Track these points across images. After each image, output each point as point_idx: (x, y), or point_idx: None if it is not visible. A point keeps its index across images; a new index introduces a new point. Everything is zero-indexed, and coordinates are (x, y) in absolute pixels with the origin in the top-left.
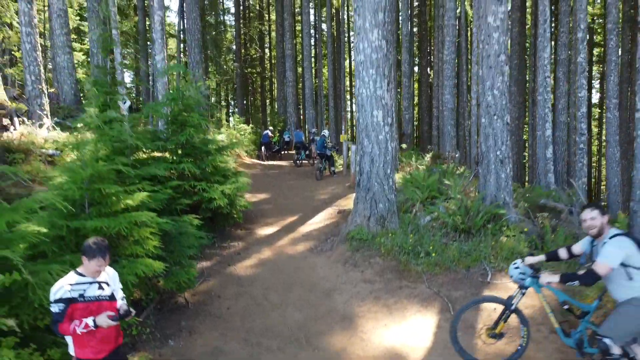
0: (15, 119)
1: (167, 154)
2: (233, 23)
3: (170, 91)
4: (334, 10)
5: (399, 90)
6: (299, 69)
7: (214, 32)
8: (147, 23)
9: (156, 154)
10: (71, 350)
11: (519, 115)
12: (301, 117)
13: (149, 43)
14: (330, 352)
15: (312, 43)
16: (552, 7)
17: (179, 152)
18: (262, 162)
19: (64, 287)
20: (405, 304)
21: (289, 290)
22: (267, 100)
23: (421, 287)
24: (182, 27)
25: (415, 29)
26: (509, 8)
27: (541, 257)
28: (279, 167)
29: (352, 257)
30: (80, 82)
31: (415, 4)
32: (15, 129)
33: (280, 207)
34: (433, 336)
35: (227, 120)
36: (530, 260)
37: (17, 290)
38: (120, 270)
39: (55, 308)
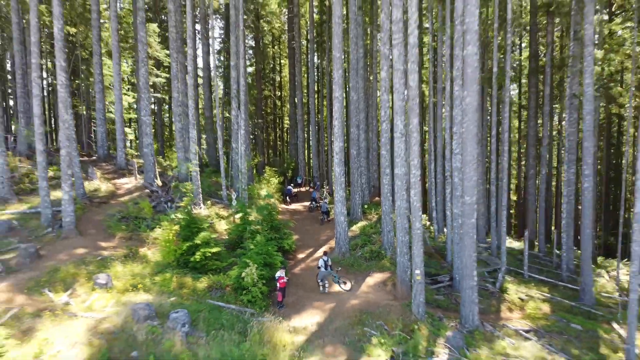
0: (194, 206)
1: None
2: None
3: (262, 199)
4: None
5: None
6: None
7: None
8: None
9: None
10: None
11: None
12: (306, 160)
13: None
14: (326, 294)
15: (315, 102)
16: None
17: (271, 227)
18: (287, 207)
19: (277, 274)
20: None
21: (312, 278)
22: (277, 123)
23: (349, 276)
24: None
25: None
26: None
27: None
28: (299, 212)
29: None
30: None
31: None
32: (194, 211)
33: (305, 244)
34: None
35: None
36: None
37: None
38: (275, 271)
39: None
